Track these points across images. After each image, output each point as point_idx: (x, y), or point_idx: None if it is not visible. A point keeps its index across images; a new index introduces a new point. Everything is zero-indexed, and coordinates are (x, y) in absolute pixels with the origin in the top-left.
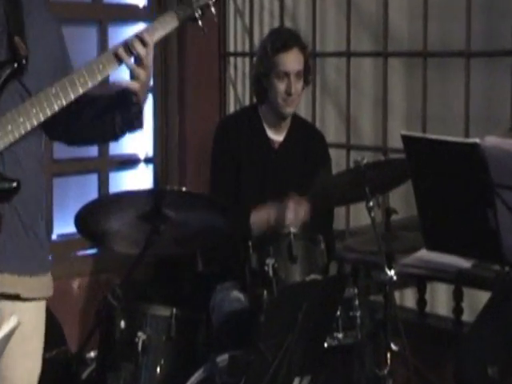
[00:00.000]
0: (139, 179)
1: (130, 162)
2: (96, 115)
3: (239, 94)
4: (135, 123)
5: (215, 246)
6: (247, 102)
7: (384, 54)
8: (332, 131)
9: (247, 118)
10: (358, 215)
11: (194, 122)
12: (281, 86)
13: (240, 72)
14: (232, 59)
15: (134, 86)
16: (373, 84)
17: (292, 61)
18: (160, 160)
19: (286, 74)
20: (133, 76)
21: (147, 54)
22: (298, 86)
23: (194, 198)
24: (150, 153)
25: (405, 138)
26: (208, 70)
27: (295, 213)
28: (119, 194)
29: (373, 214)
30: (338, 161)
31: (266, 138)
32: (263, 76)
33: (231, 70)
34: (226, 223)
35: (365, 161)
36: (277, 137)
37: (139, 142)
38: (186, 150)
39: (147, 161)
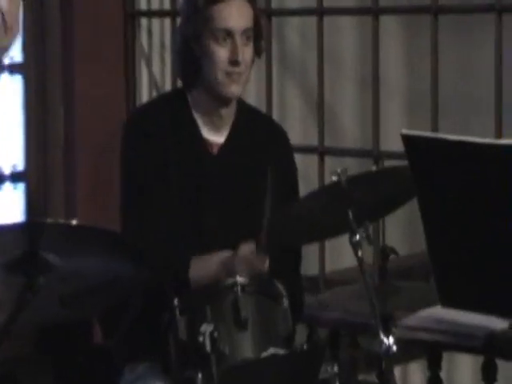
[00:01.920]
0: (2, 207)
1: None
2: None
3: (156, 73)
4: None
5: (121, 307)
6: (168, 86)
7: (374, 11)
8: (297, 127)
9: (170, 109)
10: (337, 254)
11: (87, 117)
12: (221, 52)
13: (157, 40)
14: (144, 21)
15: None
16: (357, 56)
17: (235, 13)
18: (35, 176)
19: (228, 34)
20: None
21: None
22: (246, 52)
23: (88, 235)
24: (20, 165)
25: (407, 139)
26: (108, 38)
27: (248, 263)
28: None
29: (360, 253)
30: (307, 172)
31: (199, 139)
32: (193, 41)
33: (143, 38)
34: (140, 272)
35: (347, 172)
36: (215, 137)
37: (1, 150)
38: (76, 159)
39: (15, 178)
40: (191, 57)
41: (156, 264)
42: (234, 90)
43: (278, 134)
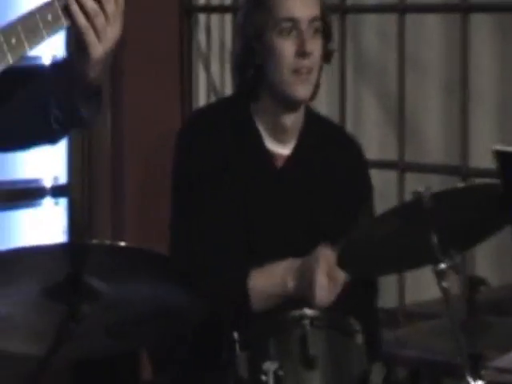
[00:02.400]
0: (43, 224)
1: (26, 194)
2: (28, 98)
3: (214, 75)
4: (88, 112)
5: (173, 338)
6: (228, 90)
7: (463, 9)
8: (374, 139)
9: (230, 116)
10: (418, 285)
11: (137, 123)
12: (286, 45)
13: (216, 38)
14: (202, 17)
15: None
16: (443, 59)
17: (300, 1)
18: (79, 191)
19: (294, 25)
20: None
21: None
22: (314, 44)
23: (138, 257)
24: (62, 178)
25: (499, 155)
26: (161, 37)
27: (330, 283)
28: (8, 252)
29: (445, 285)
30: (385, 191)
31: (262, 151)
32: (255, 40)
33: (201, 36)
34: (194, 299)
35: (431, 190)
36: (280, 148)
37: (43, 160)
38: (125, 172)
39: (57, 192)
40: (253, 60)
41: (211, 289)
42: (302, 91)
43: (351, 147)
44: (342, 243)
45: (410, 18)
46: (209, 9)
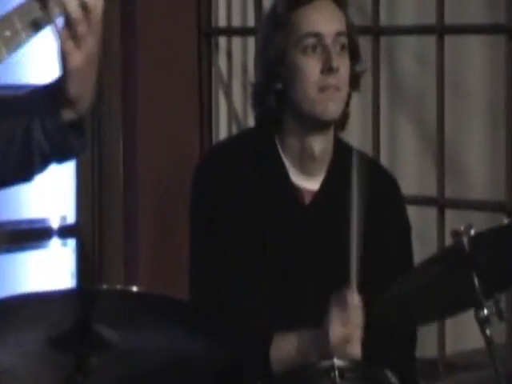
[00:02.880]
0: (49, 267)
1: (31, 234)
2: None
3: (236, 104)
4: (72, 143)
5: None
6: (251, 121)
7: (509, 30)
8: (411, 172)
9: (253, 149)
10: (460, 333)
11: (152, 157)
12: (311, 63)
13: (238, 63)
14: (223, 41)
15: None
16: (487, 84)
17: (324, 15)
18: (88, 231)
19: (319, 41)
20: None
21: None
22: (341, 62)
23: (152, 304)
24: (70, 218)
25: None
26: (178, 61)
27: (346, 329)
28: (11, 298)
29: (489, 332)
30: (424, 229)
31: (288, 186)
32: (277, 62)
33: (222, 61)
34: (214, 349)
35: (473, 230)
36: (308, 183)
37: (49, 198)
38: (138, 211)
39: (64, 232)
40: (275, 85)
41: (232, 338)
42: (330, 108)
43: (386, 182)
44: (379, 298)
45: (450, 40)
46: (230, 31)
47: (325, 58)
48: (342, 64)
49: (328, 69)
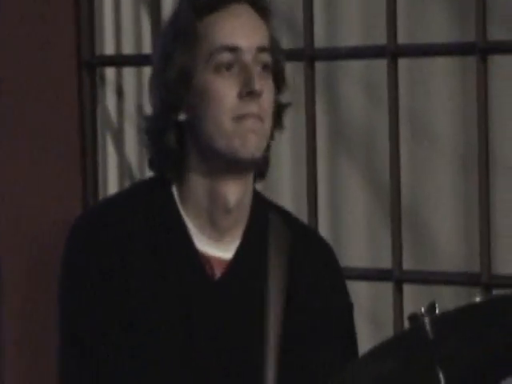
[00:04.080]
0: None
1: None
2: None
3: (129, 152)
4: None
5: None
6: (147, 171)
7: (480, 49)
8: (358, 239)
9: (146, 208)
10: None
11: (20, 219)
12: (227, 85)
13: (130, 100)
14: (111, 72)
15: None
16: (455, 117)
17: (243, 24)
18: None
19: (236, 56)
20: None
21: None
22: (264, 83)
23: None
24: None
25: None
26: (52, 99)
27: None
28: None
29: None
30: (375, 309)
31: (192, 255)
32: (180, 84)
33: (109, 97)
34: None
35: (435, 310)
36: (218, 250)
37: None
38: (4, 288)
39: None
40: (176, 116)
41: None
42: (252, 143)
43: (319, 251)
44: None
45: (405, 63)
46: (119, 61)
47: (243, 79)
48: (266, 87)
49: (248, 92)
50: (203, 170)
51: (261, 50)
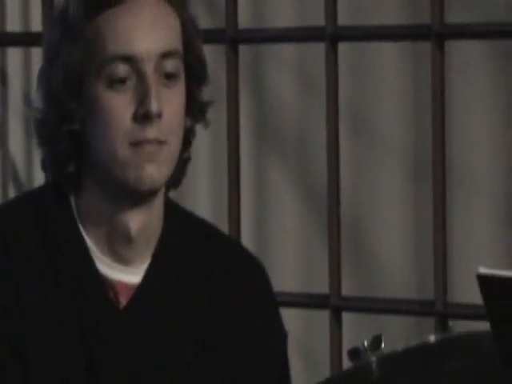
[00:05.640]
0: None
1: None
2: None
3: (15, 155)
4: None
5: None
6: (40, 179)
7: (435, 33)
8: (290, 259)
9: (37, 223)
10: None
11: None
12: (121, 104)
13: (16, 87)
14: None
15: None
16: (404, 110)
17: (142, 24)
18: None
19: (132, 68)
20: None
21: None
22: (168, 98)
23: None
24: None
25: (485, 282)
26: None
27: None
28: None
29: None
30: (311, 341)
31: (93, 279)
32: (69, 92)
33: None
34: None
35: (382, 346)
36: (125, 273)
37: None
38: None
39: None
40: (71, 125)
41: None
42: (148, 174)
43: (246, 273)
44: None
45: (346, 48)
46: (4, 40)
47: (140, 97)
48: (169, 103)
49: (144, 115)
50: (101, 193)
51: (165, 55)
